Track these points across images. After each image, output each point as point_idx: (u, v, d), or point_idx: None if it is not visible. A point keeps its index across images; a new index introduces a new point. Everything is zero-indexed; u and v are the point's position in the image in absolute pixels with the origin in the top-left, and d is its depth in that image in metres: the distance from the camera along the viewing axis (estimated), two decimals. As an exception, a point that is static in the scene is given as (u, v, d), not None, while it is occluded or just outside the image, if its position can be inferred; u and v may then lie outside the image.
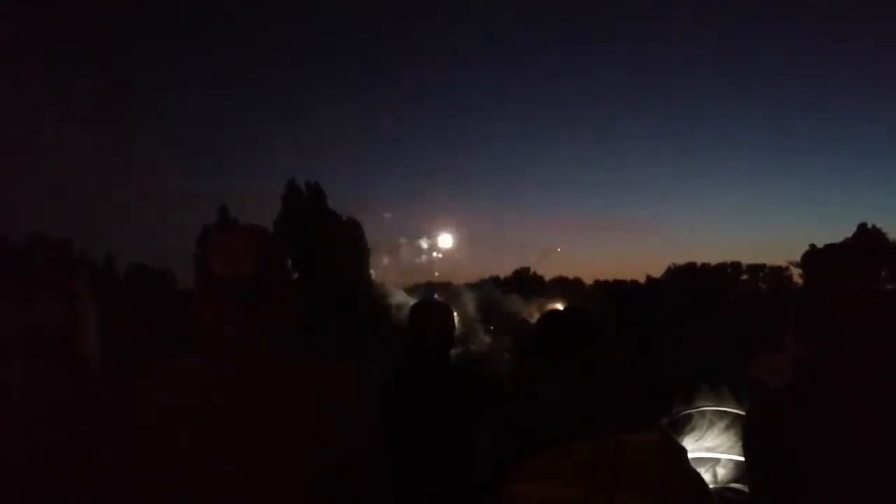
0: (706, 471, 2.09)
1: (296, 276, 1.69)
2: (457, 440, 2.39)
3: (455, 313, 3.01)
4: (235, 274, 1.48)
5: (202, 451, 1.38)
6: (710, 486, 2.02)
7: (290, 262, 1.60)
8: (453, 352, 2.95)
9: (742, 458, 1.88)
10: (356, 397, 1.50)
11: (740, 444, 1.89)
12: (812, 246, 2.11)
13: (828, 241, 2.15)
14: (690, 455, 1.69)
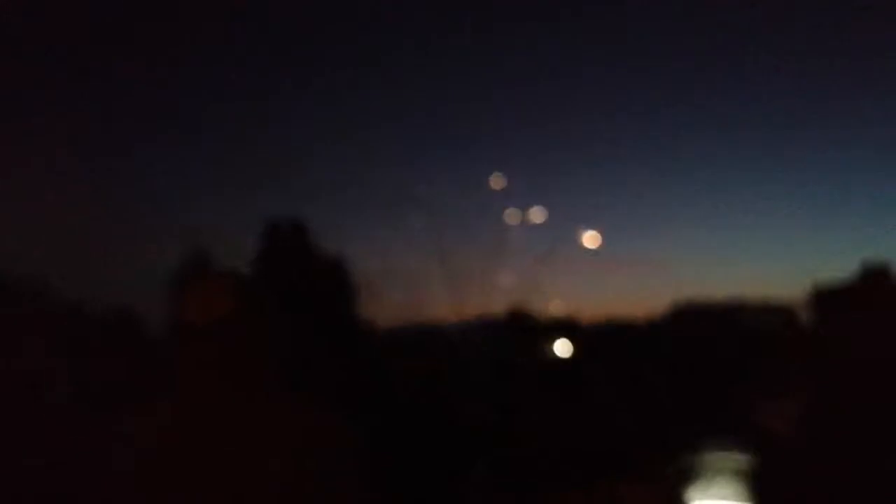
0: (713, 520, 2.03)
1: (275, 317, 1.71)
2: (451, 485, 2.34)
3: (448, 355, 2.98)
4: (208, 322, 1.49)
5: (175, 496, 1.36)
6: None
7: (268, 301, 1.62)
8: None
9: None
10: (338, 445, 1.48)
11: (748, 490, 1.85)
12: (815, 287, 2.10)
13: (834, 276, 2.15)
14: (697, 503, 1.65)
